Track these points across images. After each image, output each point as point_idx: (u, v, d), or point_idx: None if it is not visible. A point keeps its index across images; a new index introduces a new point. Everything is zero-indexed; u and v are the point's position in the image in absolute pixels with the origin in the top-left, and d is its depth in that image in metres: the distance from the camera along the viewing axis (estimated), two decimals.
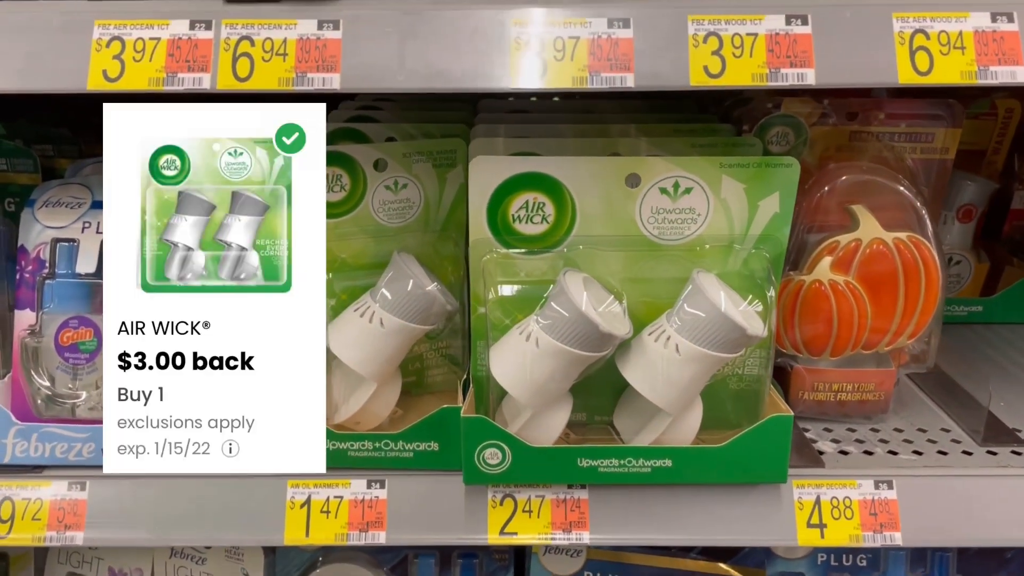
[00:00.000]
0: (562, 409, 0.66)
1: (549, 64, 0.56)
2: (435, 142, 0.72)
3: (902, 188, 0.71)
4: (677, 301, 0.62)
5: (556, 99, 1.00)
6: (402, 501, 0.68)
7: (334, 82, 0.56)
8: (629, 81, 0.56)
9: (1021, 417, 0.77)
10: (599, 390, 0.69)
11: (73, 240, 0.70)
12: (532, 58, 0.56)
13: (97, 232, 0.71)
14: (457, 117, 0.83)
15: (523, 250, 0.66)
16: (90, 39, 0.57)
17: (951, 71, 0.55)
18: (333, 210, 0.71)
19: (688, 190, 0.64)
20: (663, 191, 0.64)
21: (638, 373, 0.63)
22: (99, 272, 0.70)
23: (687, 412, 0.65)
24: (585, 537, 0.67)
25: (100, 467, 0.56)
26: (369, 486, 0.68)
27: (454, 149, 0.72)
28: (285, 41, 0.56)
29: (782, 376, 0.75)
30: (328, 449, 0.67)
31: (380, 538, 0.67)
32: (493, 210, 0.64)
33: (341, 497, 0.68)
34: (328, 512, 0.67)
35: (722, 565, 0.83)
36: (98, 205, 0.72)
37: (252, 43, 0.56)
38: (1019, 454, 0.70)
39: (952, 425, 0.76)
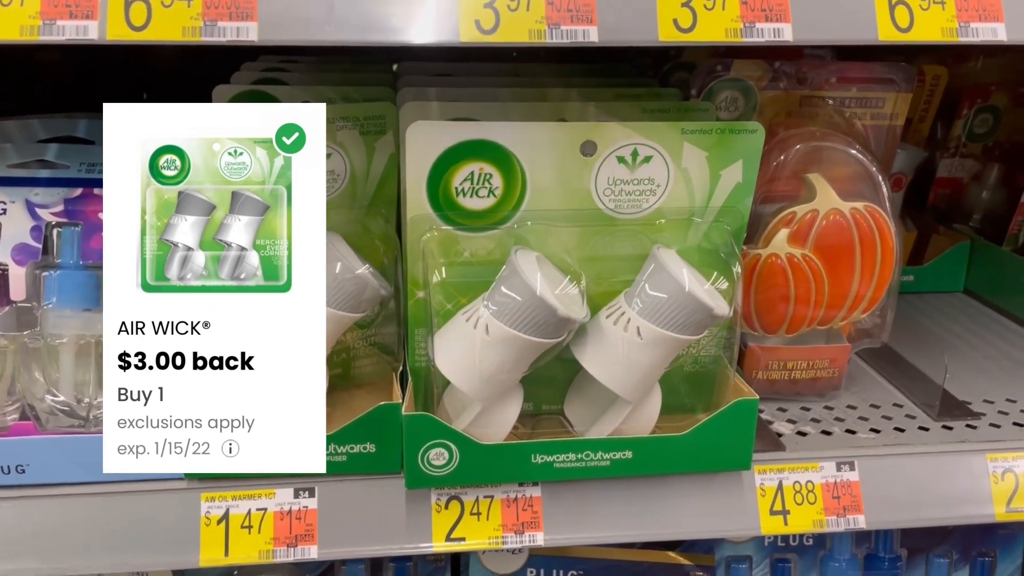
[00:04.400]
0: (513, 401, 0.60)
1: (502, 15, 0.49)
2: (361, 106, 0.64)
3: (858, 155, 0.68)
4: (637, 280, 0.57)
5: (484, 62, 0.92)
6: (335, 510, 0.60)
7: (250, 32, 0.48)
8: (592, 35, 0.49)
9: (969, 388, 0.75)
10: (547, 378, 0.63)
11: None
12: (482, 8, 0.49)
13: None
14: (375, 80, 0.74)
15: (468, 227, 0.59)
16: None
17: (932, 27, 0.52)
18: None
19: (648, 159, 0.58)
20: (621, 160, 0.58)
21: (596, 359, 0.57)
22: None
23: (647, 399, 0.60)
24: (539, 538, 0.62)
25: None
26: (296, 495, 0.60)
27: (383, 115, 0.64)
28: None
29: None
30: None
31: (311, 552, 0.60)
32: (434, 183, 0.57)
33: (265, 509, 0.60)
34: (250, 527, 0.60)
35: (670, 553, 0.80)
36: None
37: None
38: (974, 427, 0.69)
39: (904, 400, 0.74)
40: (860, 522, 0.64)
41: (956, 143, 1.03)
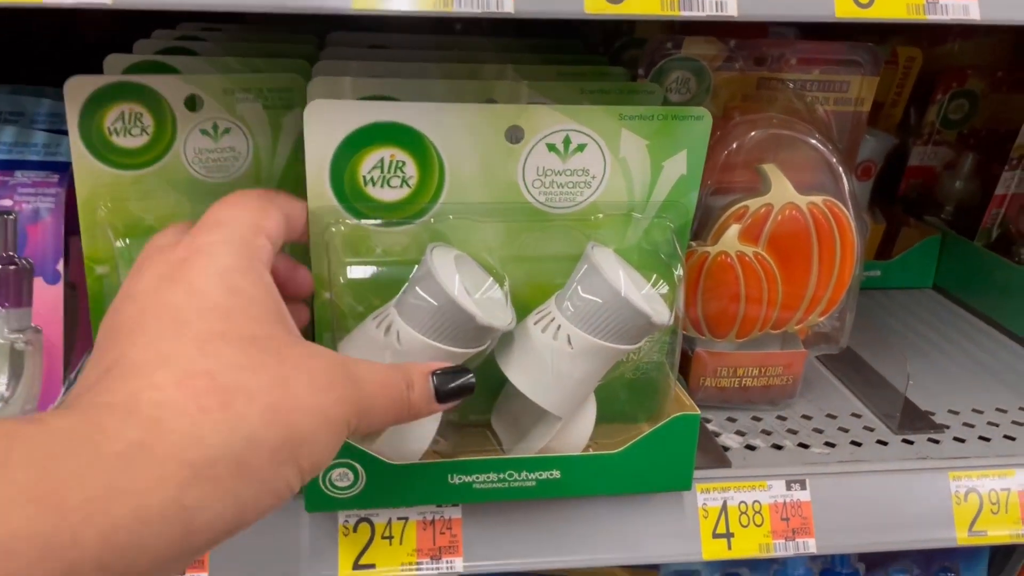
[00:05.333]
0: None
1: None
2: (266, 77, 0.57)
3: (818, 144, 0.62)
4: (568, 283, 0.51)
5: (425, 35, 0.85)
6: None
7: None
8: (508, 5, 0.43)
9: (933, 397, 0.70)
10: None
11: None
12: None
13: None
14: (295, 52, 0.67)
15: (379, 221, 0.52)
16: None
17: (896, 4, 0.45)
18: (132, 160, 0.55)
19: (581, 147, 0.51)
20: (551, 148, 0.51)
21: (522, 370, 0.51)
22: None
23: (579, 412, 0.54)
24: (458, 564, 0.56)
25: None
26: None
27: (290, 87, 0.57)
28: None
29: (680, 361, 0.65)
30: None
31: None
32: (338, 169, 0.50)
33: None
34: None
35: (613, 569, 0.74)
36: None
37: None
38: (936, 442, 0.64)
39: (863, 409, 0.68)
40: (810, 546, 0.59)
41: (930, 130, 0.97)
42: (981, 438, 0.64)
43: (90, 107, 0.53)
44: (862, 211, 0.93)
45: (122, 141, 0.54)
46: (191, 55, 0.65)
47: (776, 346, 0.66)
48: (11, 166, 0.57)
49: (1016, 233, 0.87)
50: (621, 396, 0.59)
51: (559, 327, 0.49)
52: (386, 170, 0.50)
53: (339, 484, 0.52)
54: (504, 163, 0.51)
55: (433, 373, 0.42)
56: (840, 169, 0.62)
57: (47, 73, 0.70)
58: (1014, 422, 0.67)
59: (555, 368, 0.50)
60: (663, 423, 0.54)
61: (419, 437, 0.53)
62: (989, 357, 0.78)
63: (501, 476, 0.54)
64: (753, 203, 0.61)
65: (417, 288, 0.48)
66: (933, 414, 0.67)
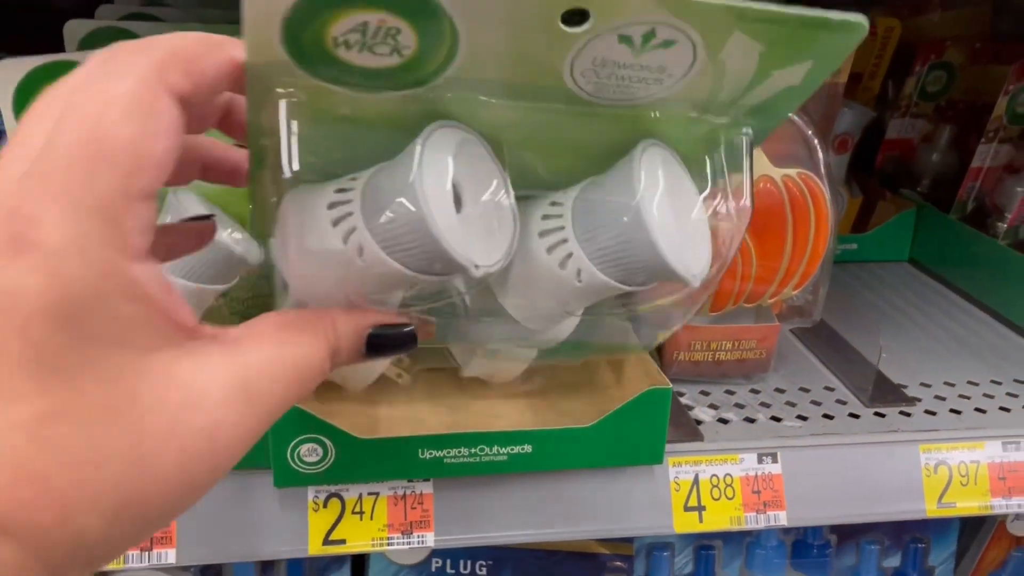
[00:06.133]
0: None
1: None
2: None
3: (792, 117, 0.61)
4: (595, 193, 0.39)
5: None
6: (196, 509, 0.54)
7: None
8: None
9: (906, 370, 0.70)
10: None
11: None
12: None
13: None
14: None
15: (356, 85, 0.33)
16: None
17: None
18: None
19: (668, 43, 0.34)
20: (624, 39, 0.33)
21: (514, 289, 0.41)
22: None
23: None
24: (429, 539, 0.56)
25: None
26: None
27: None
28: None
29: None
30: None
31: (169, 557, 0.53)
32: (296, 24, 0.30)
33: None
34: None
35: (588, 541, 0.75)
36: None
37: None
38: (908, 415, 0.64)
39: (836, 383, 0.68)
40: (781, 519, 0.59)
41: (907, 102, 0.97)
42: (952, 411, 0.64)
43: (23, 92, 0.51)
44: (838, 184, 0.93)
45: None
46: (155, 20, 0.64)
47: (750, 320, 0.66)
48: None
49: (991, 206, 0.87)
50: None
51: (570, 255, 0.39)
52: (370, 36, 0.31)
53: (308, 460, 0.52)
54: (550, 46, 0.33)
55: (370, 332, 0.34)
56: (815, 142, 0.62)
57: (13, 38, 0.68)
58: (985, 395, 0.67)
59: (554, 295, 0.41)
60: (635, 397, 0.54)
61: (373, 366, 0.50)
62: (962, 330, 0.79)
63: (472, 451, 0.54)
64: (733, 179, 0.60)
65: (394, 199, 0.34)
66: (905, 387, 0.67)
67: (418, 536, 0.56)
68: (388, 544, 0.55)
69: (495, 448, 0.54)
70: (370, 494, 0.55)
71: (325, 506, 0.55)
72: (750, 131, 0.40)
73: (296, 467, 0.52)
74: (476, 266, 0.35)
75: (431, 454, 0.53)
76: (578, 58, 0.34)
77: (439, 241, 0.34)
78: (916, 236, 0.93)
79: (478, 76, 0.35)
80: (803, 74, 0.37)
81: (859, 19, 0.34)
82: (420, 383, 0.61)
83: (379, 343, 0.34)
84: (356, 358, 0.34)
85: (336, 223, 0.34)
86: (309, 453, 0.52)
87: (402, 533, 0.55)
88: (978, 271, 0.84)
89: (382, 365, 0.55)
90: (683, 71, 0.36)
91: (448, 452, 0.54)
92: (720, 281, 0.62)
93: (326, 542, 0.55)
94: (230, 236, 0.52)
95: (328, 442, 0.52)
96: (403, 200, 0.34)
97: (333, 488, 0.55)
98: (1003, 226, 0.83)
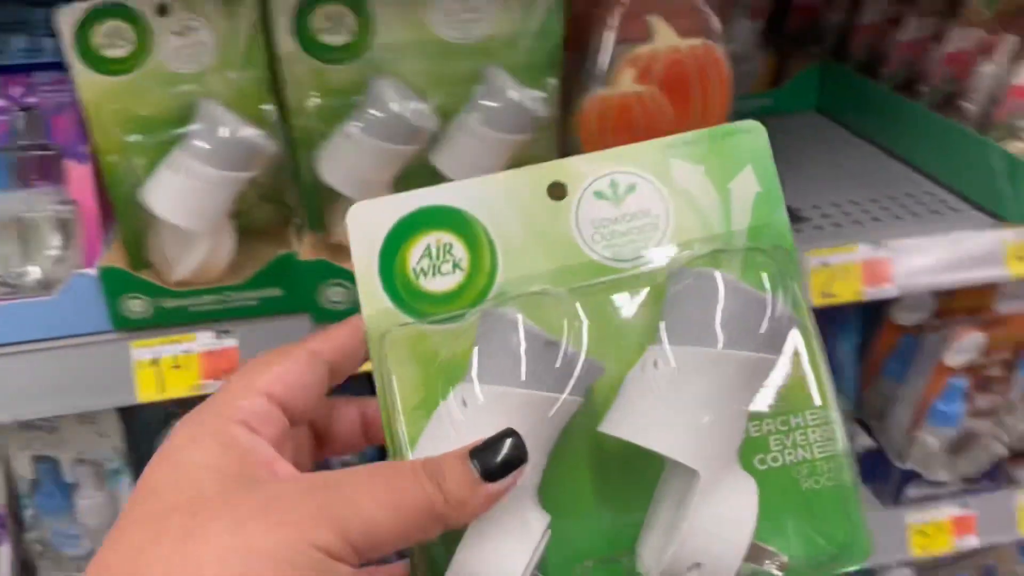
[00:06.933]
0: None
1: None
2: None
3: None
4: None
5: None
6: (253, 347, 0.70)
7: None
8: None
9: (800, 195, 0.86)
10: None
11: None
12: None
13: None
14: None
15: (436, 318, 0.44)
16: None
17: None
18: (120, 67, 0.66)
19: (632, 187, 0.44)
20: (599, 195, 0.44)
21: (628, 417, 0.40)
22: None
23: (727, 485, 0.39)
24: None
25: None
26: (219, 336, 0.70)
27: None
28: None
29: None
30: (167, 308, 0.69)
31: None
32: (387, 267, 0.43)
33: (190, 351, 0.69)
34: (179, 367, 0.69)
35: None
36: None
37: None
38: (799, 231, 0.80)
39: None
40: None
41: None
42: (834, 224, 0.81)
43: (81, 30, 0.64)
44: (754, 48, 1.07)
45: (112, 53, 0.65)
46: None
47: None
48: (29, 68, 0.68)
49: (880, 56, 1.01)
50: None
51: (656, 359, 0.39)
52: (435, 257, 0.43)
53: (335, 299, 0.68)
54: (554, 223, 0.43)
55: (470, 452, 0.34)
56: (714, 14, 0.76)
57: None
58: (863, 211, 0.83)
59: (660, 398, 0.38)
60: None
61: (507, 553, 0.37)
62: (852, 162, 0.95)
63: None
64: (642, 50, 0.75)
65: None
66: (799, 209, 0.84)
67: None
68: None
69: None
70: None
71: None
72: (767, 256, 0.43)
73: (327, 307, 0.68)
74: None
75: None
76: (580, 225, 0.43)
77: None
78: (822, 88, 1.08)
79: (523, 273, 0.43)
80: (755, 178, 0.44)
81: (752, 124, 0.44)
82: None
83: (486, 455, 0.34)
84: (468, 486, 0.33)
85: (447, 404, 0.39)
86: (336, 295, 0.68)
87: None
88: (871, 114, 0.99)
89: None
90: (663, 209, 0.44)
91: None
92: (647, 139, 0.77)
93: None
94: (253, 132, 0.66)
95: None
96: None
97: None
98: (887, 71, 0.98)
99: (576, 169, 0.43)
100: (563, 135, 0.77)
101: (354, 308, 0.42)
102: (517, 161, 0.73)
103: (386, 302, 0.42)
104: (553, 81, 0.72)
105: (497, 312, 0.39)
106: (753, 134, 0.44)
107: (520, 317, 0.38)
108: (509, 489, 0.34)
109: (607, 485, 0.41)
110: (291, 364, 0.38)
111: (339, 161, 0.69)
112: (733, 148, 0.44)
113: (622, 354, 0.41)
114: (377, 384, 0.41)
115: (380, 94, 0.67)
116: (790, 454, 0.40)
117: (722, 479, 0.37)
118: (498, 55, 0.71)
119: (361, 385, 0.49)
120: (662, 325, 0.39)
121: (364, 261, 0.42)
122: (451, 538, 0.36)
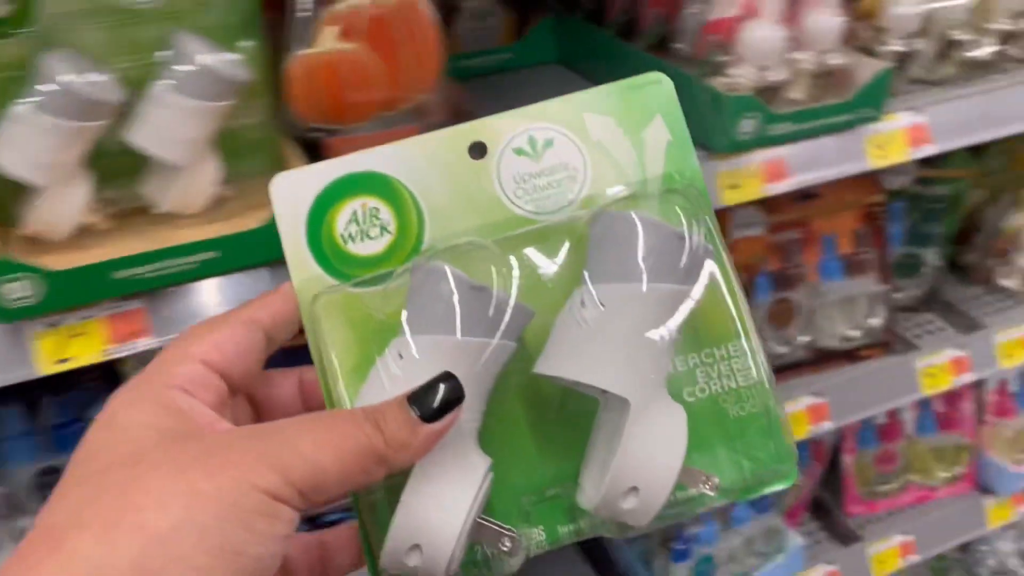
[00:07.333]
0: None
1: None
2: None
3: None
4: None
5: None
6: None
7: None
8: None
9: None
10: None
11: None
12: None
13: None
14: None
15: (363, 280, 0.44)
16: None
17: None
18: None
19: (549, 142, 0.45)
20: (519, 152, 0.45)
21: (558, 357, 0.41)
22: None
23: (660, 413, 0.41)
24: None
25: None
26: None
27: None
28: None
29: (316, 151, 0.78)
30: None
31: None
32: (315, 234, 0.44)
33: None
34: None
35: None
36: None
37: None
38: None
39: None
40: None
41: None
42: None
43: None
44: (492, 3, 1.07)
45: None
46: None
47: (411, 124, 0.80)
48: None
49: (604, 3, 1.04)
50: None
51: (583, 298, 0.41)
52: (362, 222, 0.44)
53: (16, 295, 0.62)
54: (477, 182, 0.45)
55: (408, 397, 0.35)
56: None
57: None
58: None
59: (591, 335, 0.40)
60: None
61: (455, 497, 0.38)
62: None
63: (163, 263, 0.66)
64: (341, 7, 0.73)
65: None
66: None
67: (143, 342, 0.68)
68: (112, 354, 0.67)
69: (185, 259, 0.67)
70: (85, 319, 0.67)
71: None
72: (682, 199, 0.45)
73: (6, 305, 0.62)
74: None
75: (128, 273, 0.65)
76: (503, 181, 0.45)
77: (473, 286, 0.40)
78: (559, 40, 1.10)
79: (450, 231, 0.44)
80: (666, 128, 0.46)
81: (659, 76, 0.46)
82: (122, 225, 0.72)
83: (423, 398, 0.35)
84: (408, 428, 0.34)
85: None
86: (16, 291, 0.62)
87: (122, 343, 0.67)
88: (600, 60, 1.03)
89: (77, 210, 0.66)
90: (581, 162, 0.45)
91: (142, 269, 0.66)
92: (359, 96, 0.76)
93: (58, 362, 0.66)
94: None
95: (34, 278, 0.62)
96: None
97: (50, 319, 0.65)
98: (610, 19, 1.01)
99: (494, 127, 0.44)
100: (277, 100, 0.75)
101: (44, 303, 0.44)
102: (228, 130, 0.70)
103: (316, 269, 0.43)
104: (250, 43, 0.69)
105: (426, 265, 0.40)
106: (661, 85, 0.46)
107: (448, 267, 0.39)
108: (448, 428, 0.35)
109: (546, 428, 0.42)
110: (227, 331, 0.38)
111: (14, 145, 0.63)
112: (642, 99, 0.45)
113: (551, 300, 0.42)
114: (312, 350, 0.41)
115: (51, 68, 0.62)
116: (715, 384, 0.42)
117: (652, 407, 0.39)
118: (186, 19, 0.68)
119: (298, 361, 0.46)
120: (586, 265, 0.41)
121: (291, 230, 0.43)
122: (395, 489, 0.37)
